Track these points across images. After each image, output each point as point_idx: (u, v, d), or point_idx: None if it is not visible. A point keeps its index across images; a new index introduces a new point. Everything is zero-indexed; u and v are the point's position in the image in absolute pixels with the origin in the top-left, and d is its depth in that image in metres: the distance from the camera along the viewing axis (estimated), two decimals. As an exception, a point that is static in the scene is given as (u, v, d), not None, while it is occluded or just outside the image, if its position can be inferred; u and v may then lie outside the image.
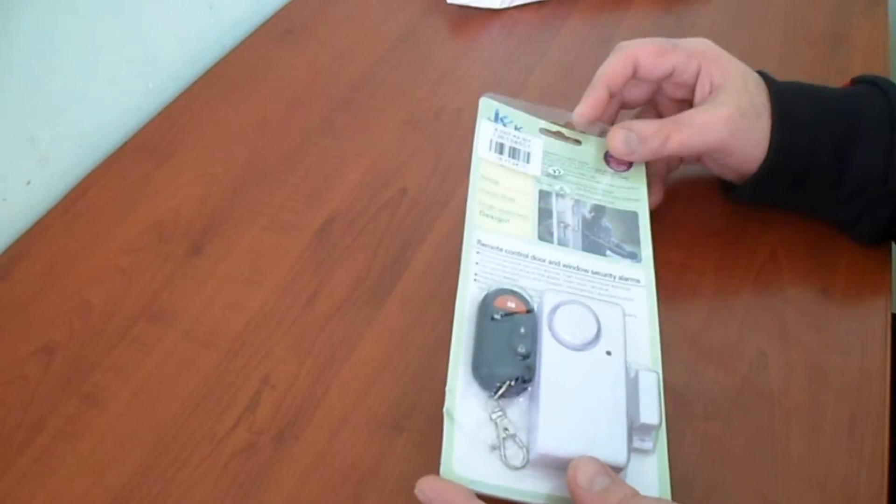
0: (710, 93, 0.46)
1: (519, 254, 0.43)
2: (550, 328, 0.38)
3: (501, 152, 0.46)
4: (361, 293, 0.49)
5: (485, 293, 0.40)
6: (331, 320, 0.48)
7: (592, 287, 0.42)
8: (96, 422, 0.43)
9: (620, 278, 0.43)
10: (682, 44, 0.48)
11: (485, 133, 0.47)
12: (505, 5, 0.72)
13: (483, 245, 0.42)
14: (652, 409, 0.36)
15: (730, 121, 0.45)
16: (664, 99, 0.51)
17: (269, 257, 0.52)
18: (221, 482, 0.41)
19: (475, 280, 0.41)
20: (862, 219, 0.48)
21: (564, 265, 0.43)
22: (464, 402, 0.37)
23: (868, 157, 0.45)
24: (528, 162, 0.46)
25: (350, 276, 0.50)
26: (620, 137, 0.46)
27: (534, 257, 0.43)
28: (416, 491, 0.34)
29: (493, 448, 0.36)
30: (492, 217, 0.44)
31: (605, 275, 0.43)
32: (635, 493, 0.33)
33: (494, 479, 0.35)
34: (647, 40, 0.48)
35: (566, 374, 0.37)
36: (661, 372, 0.39)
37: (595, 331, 0.38)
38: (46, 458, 0.42)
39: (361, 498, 0.40)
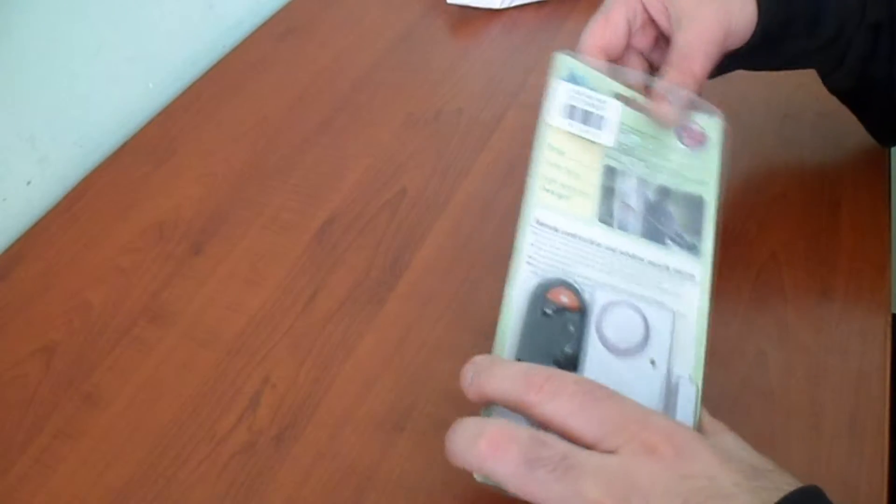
0: (668, 14, 0.46)
1: (575, 236, 0.40)
2: (598, 329, 0.37)
3: (573, 117, 0.43)
4: (361, 293, 0.49)
5: (539, 280, 0.38)
6: (331, 320, 0.48)
7: (646, 279, 0.40)
8: (96, 422, 0.43)
9: (676, 271, 0.40)
10: None
11: (559, 96, 0.43)
12: (505, 5, 0.72)
13: (540, 225, 0.40)
14: (685, 423, 0.35)
15: (707, 14, 0.44)
16: (654, 56, 0.49)
17: (269, 257, 0.52)
18: (221, 482, 0.40)
19: (528, 263, 0.39)
20: (842, 62, 0.48)
21: (621, 252, 0.40)
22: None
23: None
24: (600, 128, 0.43)
25: (350, 276, 0.50)
26: (664, 105, 0.43)
27: (591, 241, 0.40)
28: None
29: None
30: (553, 193, 0.41)
31: (661, 266, 0.40)
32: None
33: None
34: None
35: (607, 382, 0.35)
36: (701, 381, 0.37)
37: (642, 336, 0.37)
38: (46, 458, 0.42)
39: (361, 498, 0.40)
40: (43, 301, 0.50)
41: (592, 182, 0.42)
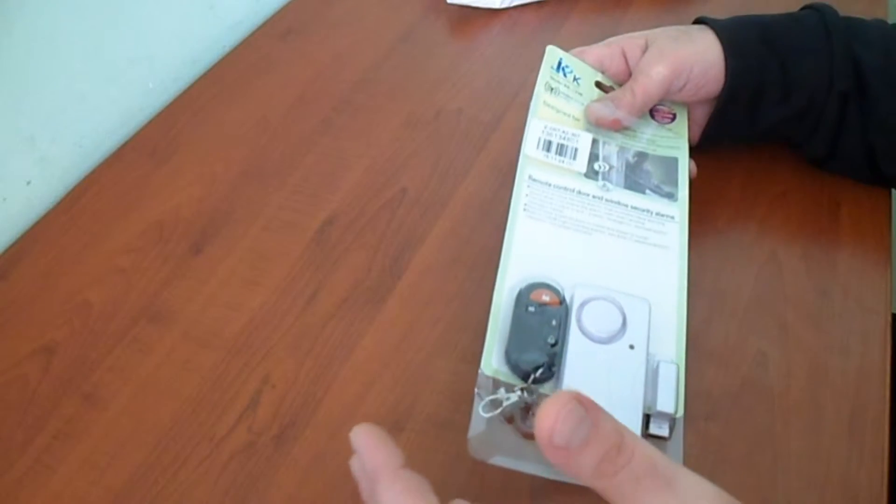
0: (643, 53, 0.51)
1: (566, 188, 0.46)
2: (578, 322, 0.40)
3: (549, 150, 0.48)
4: (361, 293, 0.49)
5: (520, 288, 0.42)
6: (331, 320, 0.48)
7: (630, 220, 0.45)
8: (96, 422, 0.43)
9: (657, 214, 0.46)
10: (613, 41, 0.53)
11: (535, 132, 0.48)
12: (505, 5, 0.72)
13: (534, 180, 0.46)
14: (669, 399, 0.38)
15: (664, 50, 0.49)
16: None
17: (269, 257, 0.52)
18: (221, 482, 0.41)
19: (525, 210, 0.44)
20: (815, 133, 0.51)
21: (607, 200, 0.46)
22: (494, 384, 0.38)
23: (810, 64, 0.49)
24: (574, 159, 0.48)
25: (350, 276, 0.50)
26: (600, 106, 0.50)
27: (579, 192, 0.46)
28: (350, 433, 0.31)
29: (512, 417, 0.37)
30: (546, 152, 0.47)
31: (643, 210, 0.46)
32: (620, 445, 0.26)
33: (511, 451, 0.37)
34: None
35: (589, 366, 0.39)
36: (684, 360, 0.41)
37: (620, 325, 0.40)
38: (46, 458, 0.42)
39: (361, 498, 0.40)
40: (43, 301, 0.50)
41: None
